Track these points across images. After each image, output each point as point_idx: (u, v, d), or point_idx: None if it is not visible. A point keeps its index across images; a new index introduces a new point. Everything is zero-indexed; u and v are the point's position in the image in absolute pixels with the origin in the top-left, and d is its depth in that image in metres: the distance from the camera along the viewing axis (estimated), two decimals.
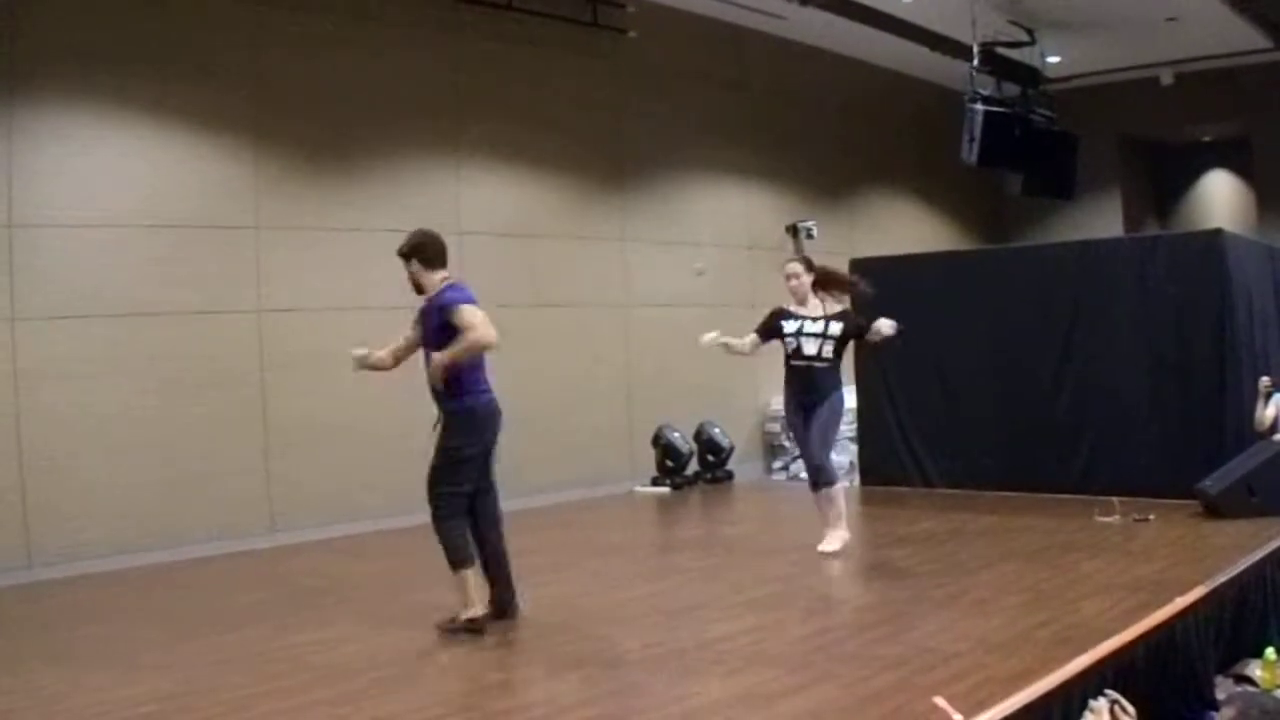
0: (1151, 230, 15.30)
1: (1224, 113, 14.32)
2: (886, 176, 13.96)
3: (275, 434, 8.11)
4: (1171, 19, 11.83)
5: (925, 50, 12.13)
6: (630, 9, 10.41)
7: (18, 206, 7.03)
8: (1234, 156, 15.70)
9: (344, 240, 8.56)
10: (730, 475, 10.81)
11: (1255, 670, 5.16)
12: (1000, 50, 11.72)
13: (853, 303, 7.31)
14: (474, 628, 5.07)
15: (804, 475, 7.00)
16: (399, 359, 5.39)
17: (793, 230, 12.27)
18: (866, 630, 5.06)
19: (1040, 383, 8.75)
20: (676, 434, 10.47)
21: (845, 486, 7.60)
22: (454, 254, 5.42)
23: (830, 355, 6.65)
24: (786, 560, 6.59)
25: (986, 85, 11.66)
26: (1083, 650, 4.32)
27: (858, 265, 9.89)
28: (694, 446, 10.60)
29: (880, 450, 9.66)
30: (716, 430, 10.77)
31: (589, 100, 10.41)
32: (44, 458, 7.03)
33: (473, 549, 5.15)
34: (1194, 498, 7.41)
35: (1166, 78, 13.89)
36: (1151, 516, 7.35)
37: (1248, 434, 7.75)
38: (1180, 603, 5.00)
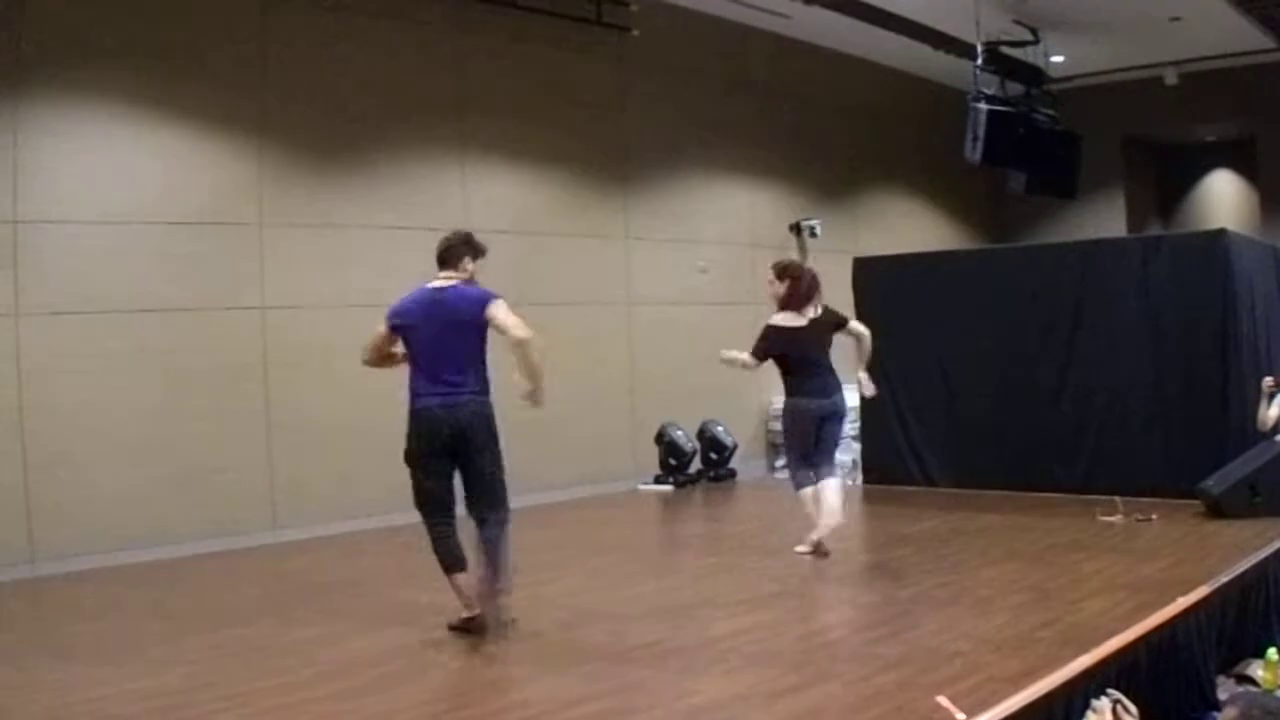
0: (1154, 230, 15.28)
1: (1228, 113, 14.30)
2: (890, 175, 13.95)
3: (278, 430, 8.12)
4: (1176, 19, 11.81)
5: (929, 49, 12.11)
6: (634, 7, 10.40)
7: (23, 202, 7.04)
8: (1238, 157, 15.69)
9: (348, 237, 8.57)
10: (733, 474, 10.80)
11: (1257, 670, 5.16)
12: (1004, 49, 11.71)
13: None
14: (470, 627, 5.05)
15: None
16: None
17: (796, 229, 12.28)
18: (868, 629, 5.07)
19: (1043, 382, 8.74)
20: (679, 432, 10.47)
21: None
22: None
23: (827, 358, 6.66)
24: (789, 559, 6.59)
25: (990, 84, 11.66)
26: (1085, 650, 4.32)
27: (860, 264, 9.93)
28: (697, 445, 10.60)
29: (882, 449, 9.65)
30: (719, 429, 10.77)
31: (593, 98, 10.42)
32: (47, 453, 7.04)
33: (460, 552, 5.08)
34: (1196, 498, 7.40)
35: (1170, 77, 13.86)
36: (1154, 516, 7.35)
37: (1250, 434, 7.74)
38: (1182, 603, 5.00)
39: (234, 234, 8.04)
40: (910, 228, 13.93)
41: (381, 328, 5.20)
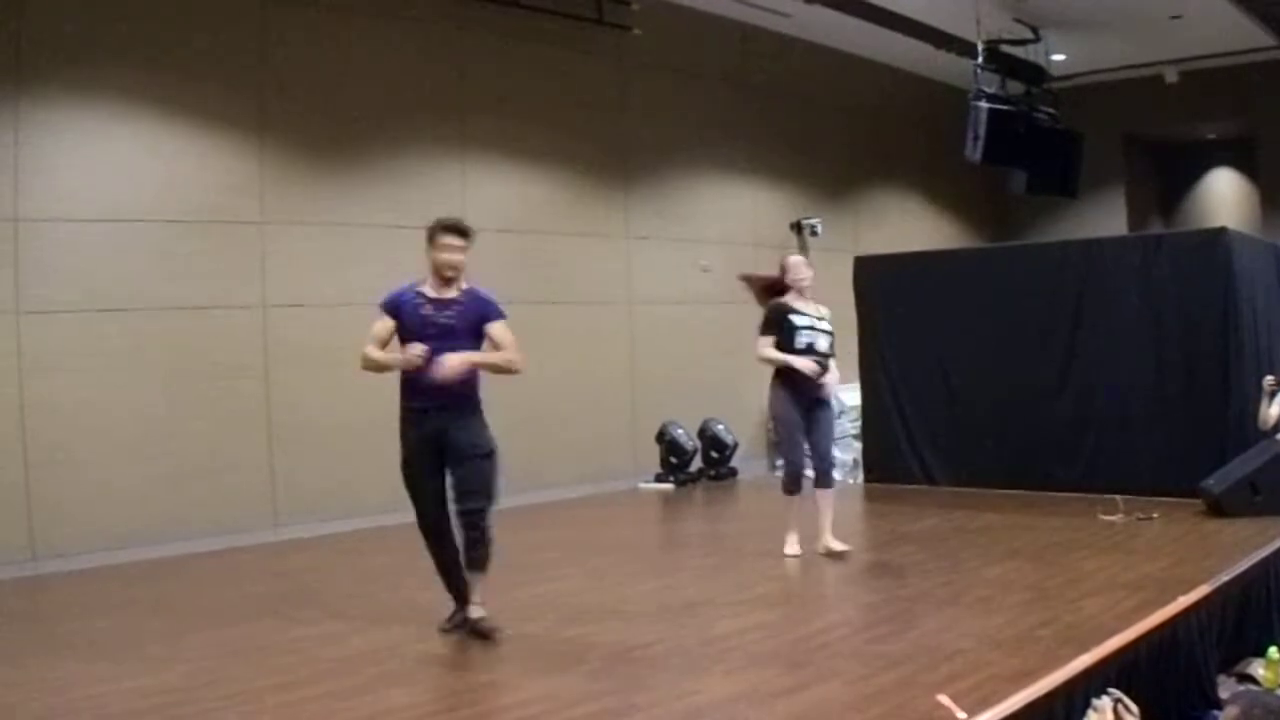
0: (1156, 228, 15.28)
1: (1229, 111, 14.30)
2: (891, 174, 13.95)
3: (279, 429, 8.12)
4: (1176, 17, 11.81)
5: (930, 48, 12.12)
6: (635, 6, 10.39)
7: (24, 200, 7.04)
8: (1239, 155, 15.68)
9: (349, 235, 8.57)
10: (734, 472, 10.80)
11: (1258, 669, 5.17)
12: (1005, 48, 11.72)
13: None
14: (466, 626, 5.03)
15: (809, 473, 6.75)
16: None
17: (797, 227, 12.27)
18: (869, 628, 5.06)
19: (1044, 381, 8.74)
20: (680, 431, 10.47)
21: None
22: None
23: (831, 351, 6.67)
24: (789, 558, 6.58)
25: (991, 83, 11.66)
26: (1086, 649, 4.32)
27: (861, 263, 9.93)
28: (698, 443, 10.60)
29: (883, 448, 9.65)
30: (720, 427, 10.77)
31: (594, 97, 10.42)
32: (48, 451, 7.04)
33: (463, 586, 5.04)
34: (1197, 496, 7.41)
35: (1171, 76, 13.86)
36: (1155, 515, 7.35)
37: (1251, 433, 7.74)
38: (1183, 601, 5.00)
39: (234, 232, 8.04)
40: (911, 227, 13.93)
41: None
